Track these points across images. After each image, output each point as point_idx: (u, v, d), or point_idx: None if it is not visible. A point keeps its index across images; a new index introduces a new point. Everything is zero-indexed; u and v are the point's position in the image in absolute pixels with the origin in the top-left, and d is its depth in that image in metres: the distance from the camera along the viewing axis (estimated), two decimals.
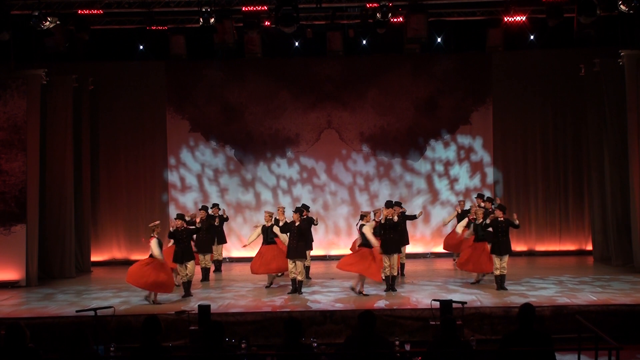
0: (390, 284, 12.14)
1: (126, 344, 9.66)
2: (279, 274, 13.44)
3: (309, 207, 13.71)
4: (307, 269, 13.51)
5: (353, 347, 6.32)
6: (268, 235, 12.87)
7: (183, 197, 16.74)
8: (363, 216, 11.88)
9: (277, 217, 12.94)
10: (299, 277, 12.14)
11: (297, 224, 12.24)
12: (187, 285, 12.09)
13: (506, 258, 12.04)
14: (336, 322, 10.46)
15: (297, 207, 12.88)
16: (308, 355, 6.52)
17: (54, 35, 12.73)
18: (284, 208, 13.26)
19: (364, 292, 11.81)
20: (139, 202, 16.63)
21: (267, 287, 12.79)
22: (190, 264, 12.11)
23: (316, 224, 13.07)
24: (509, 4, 13.78)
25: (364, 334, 6.31)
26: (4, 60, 14.03)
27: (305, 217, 12.63)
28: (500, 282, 11.98)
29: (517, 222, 12.14)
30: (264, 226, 12.96)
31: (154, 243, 11.51)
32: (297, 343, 6.30)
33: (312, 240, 13.63)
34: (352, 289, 11.98)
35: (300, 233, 12.21)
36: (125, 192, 16.62)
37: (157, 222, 12.34)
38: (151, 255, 11.54)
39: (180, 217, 12.36)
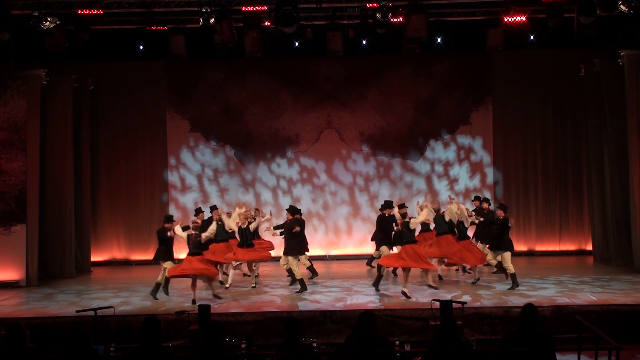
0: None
1: (126, 344, 9.66)
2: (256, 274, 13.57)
3: (294, 208, 13.62)
4: (310, 268, 13.53)
5: (353, 347, 6.33)
6: (247, 238, 12.74)
7: (183, 197, 16.74)
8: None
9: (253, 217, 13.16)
10: (298, 276, 12.27)
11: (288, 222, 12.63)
12: (156, 287, 11.96)
13: (507, 255, 12.14)
14: (336, 322, 10.46)
15: (292, 207, 13.26)
16: (308, 355, 6.52)
17: (54, 35, 12.70)
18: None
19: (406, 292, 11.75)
20: (139, 202, 16.63)
21: (253, 287, 12.80)
22: (167, 264, 11.98)
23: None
24: (509, 4, 13.78)
25: (364, 334, 6.31)
26: (4, 60, 14.02)
27: (297, 218, 12.86)
28: (513, 280, 12.09)
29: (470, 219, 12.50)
30: (239, 228, 12.79)
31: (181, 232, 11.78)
32: (297, 343, 6.31)
33: (307, 244, 13.46)
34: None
35: (290, 232, 12.48)
36: (125, 192, 16.62)
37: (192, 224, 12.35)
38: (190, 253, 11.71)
39: (168, 219, 12.32)
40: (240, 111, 16.66)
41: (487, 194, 16.35)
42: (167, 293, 12.03)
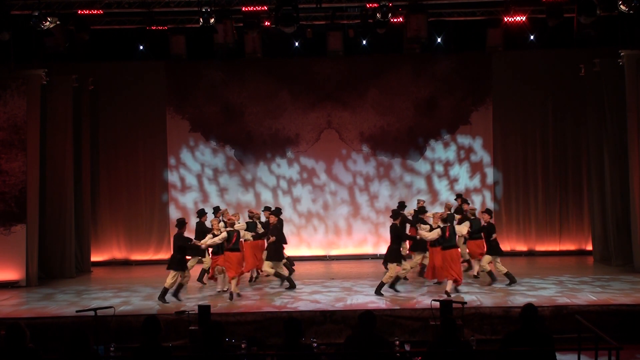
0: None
1: (126, 344, 9.66)
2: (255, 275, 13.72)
3: (280, 210, 13.67)
4: (277, 274, 13.02)
5: (353, 347, 6.33)
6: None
7: (183, 197, 16.74)
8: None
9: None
10: (271, 273, 12.68)
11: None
12: (165, 291, 11.67)
13: (486, 258, 12.44)
14: (336, 322, 10.47)
15: (277, 208, 13.48)
16: (308, 355, 6.51)
17: (54, 35, 12.73)
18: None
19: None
20: (139, 202, 16.62)
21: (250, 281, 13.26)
22: (172, 273, 11.68)
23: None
24: (509, 4, 13.79)
25: (364, 334, 6.31)
26: (4, 60, 14.02)
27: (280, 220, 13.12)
28: (491, 277, 12.42)
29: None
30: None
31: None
32: (297, 343, 6.30)
33: (285, 242, 13.47)
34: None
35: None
36: (125, 192, 16.62)
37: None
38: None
39: (182, 224, 11.92)
40: (240, 111, 16.66)
41: (487, 194, 16.39)
42: (178, 299, 11.66)
